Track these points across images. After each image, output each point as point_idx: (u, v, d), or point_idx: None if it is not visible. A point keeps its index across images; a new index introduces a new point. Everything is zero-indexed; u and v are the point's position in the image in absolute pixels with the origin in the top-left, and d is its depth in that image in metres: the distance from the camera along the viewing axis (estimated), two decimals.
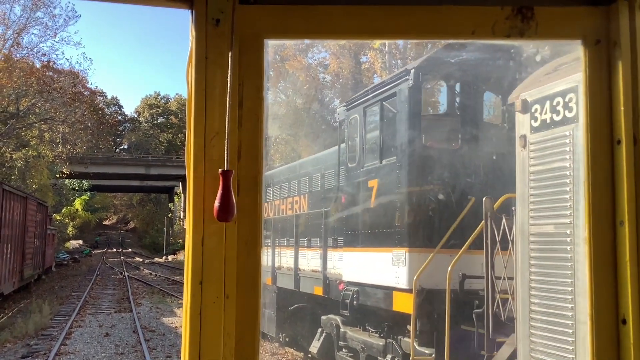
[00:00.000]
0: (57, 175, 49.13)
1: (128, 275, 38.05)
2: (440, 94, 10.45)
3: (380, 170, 9.52)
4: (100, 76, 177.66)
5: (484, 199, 7.13)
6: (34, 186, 43.38)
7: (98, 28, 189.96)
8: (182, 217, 77.26)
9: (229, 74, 1.73)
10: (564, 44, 2.18)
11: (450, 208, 8.64)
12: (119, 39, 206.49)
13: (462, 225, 8.17)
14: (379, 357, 9.42)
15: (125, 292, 28.83)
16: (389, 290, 9.09)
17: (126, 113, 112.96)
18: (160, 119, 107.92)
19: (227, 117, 1.72)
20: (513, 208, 6.12)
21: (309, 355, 12.48)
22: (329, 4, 1.82)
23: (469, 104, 9.69)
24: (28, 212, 26.78)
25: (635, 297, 1.78)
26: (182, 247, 65.39)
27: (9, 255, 22.74)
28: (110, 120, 71.76)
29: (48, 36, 43.24)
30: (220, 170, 1.68)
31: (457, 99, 10.26)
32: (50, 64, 44.21)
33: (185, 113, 1.88)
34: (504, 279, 6.77)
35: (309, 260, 13.15)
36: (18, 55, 41.53)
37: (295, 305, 13.39)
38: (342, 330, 10.70)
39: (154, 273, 41.52)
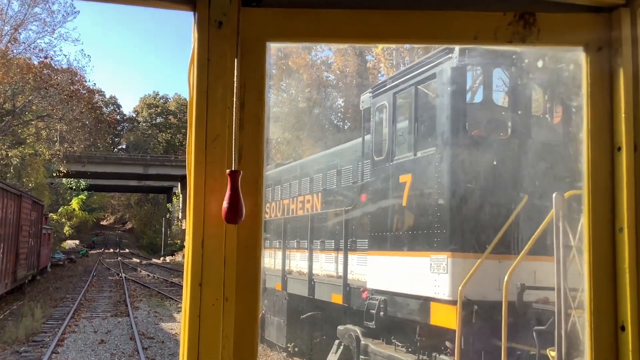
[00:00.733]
0: (54, 174, 49.03)
1: (125, 277, 37.63)
2: (484, 78, 9.03)
3: (415, 164, 8.53)
4: (99, 75, 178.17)
5: (554, 195, 6.22)
6: (30, 185, 43.31)
7: (97, 27, 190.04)
8: (180, 217, 77.27)
9: (231, 76, 1.76)
10: (566, 50, 2.20)
11: (499, 207, 7.61)
12: (118, 38, 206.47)
13: (512, 226, 7.27)
14: None
15: (122, 294, 28.31)
16: (425, 301, 8.06)
17: (124, 113, 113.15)
18: (159, 119, 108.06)
19: (228, 119, 1.75)
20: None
21: None
22: (332, 8, 1.85)
23: (516, 92, 8.54)
24: (22, 210, 26.22)
25: (634, 303, 1.81)
26: (180, 248, 65.42)
27: (1, 256, 22.10)
28: (108, 118, 71.85)
29: (46, 32, 43.27)
30: (228, 171, 1.71)
31: (503, 85, 9.40)
32: (48, 61, 44.21)
33: (184, 113, 1.90)
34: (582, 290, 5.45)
35: (326, 264, 12.21)
36: (15, 52, 41.55)
37: (309, 314, 12.38)
38: (362, 343, 9.68)
39: (151, 274, 41.26)
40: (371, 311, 9.22)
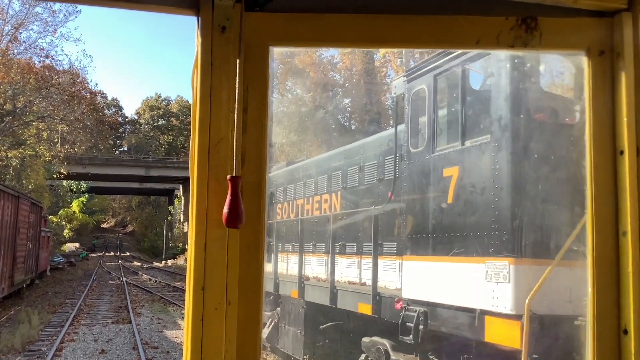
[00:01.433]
0: (55, 176, 49.09)
1: (126, 281, 37.40)
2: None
3: (463, 155, 7.52)
4: (101, 77, 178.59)
5: None
6: (30, 186, 43.33)
7: (99, 29, 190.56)
8: (182, 220, 77.29)
9: (235, 80, 1.79)
10: (568, 54, 2.23)
11: (570, 204, 6.47)
12: (120, 41, 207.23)
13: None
14: None
15: (124, 299, 27.71)
16: (478, 315, 6.97)
17: (126, 115, 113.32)
18: (161, 121, 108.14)
19: (232, 123, 1.78)
20: None
21: None
22: (334, 12, 1.88)
23: (579, 70, 6.98)
24: (20, 212, 25.75)
25: (637, 307, 1.84)
26: (182, 252, 65.42)
27: None
28: (110, 119, 71.89)
29: (47, 32, 43.32)
30: (229, 176, 1.74)
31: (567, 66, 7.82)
32: (49, 61, 44.27)
33: (186, 115, 1.93)
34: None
35: (347, 270, 11.17)
36: (16, 51, 41.65)
37: (329, 324, 11.33)
38: (393, 358, 8.81)
39: (153, 278, 41.02)
40: (408, 324, 8.25)
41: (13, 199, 24.50)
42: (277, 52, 2.04)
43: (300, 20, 1.89)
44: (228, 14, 1.81)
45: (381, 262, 9.65)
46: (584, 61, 1.93)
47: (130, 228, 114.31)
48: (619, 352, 1.87)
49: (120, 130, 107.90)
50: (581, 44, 1.93)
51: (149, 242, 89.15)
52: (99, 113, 57.35)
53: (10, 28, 40.82)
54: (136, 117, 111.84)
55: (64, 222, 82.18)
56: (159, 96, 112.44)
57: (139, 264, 62.82)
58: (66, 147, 49.55)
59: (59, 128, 47.68)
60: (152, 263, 64.63)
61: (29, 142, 45.75)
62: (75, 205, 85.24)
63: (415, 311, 8.14)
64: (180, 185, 77.89)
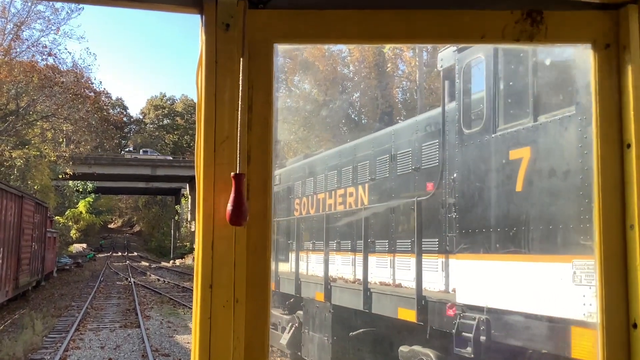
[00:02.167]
0: (60, 176, 49.24)
1: (134, 282, 37.17)
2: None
3: (536, 133, 6.52)
4: (105, 77, 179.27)
5: None
6: (35, 187, 43.46)
7: (103, 28, 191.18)
8: (189, 219, 77.45)
9: (239, 78, 1.81)
10: (574, 47, 2.24)
11: None
12: (124, 40, 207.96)
13: None
14: None
15: (132, 301, 27.28)
16: (561, 325, 6.00)
17: (131, 115, 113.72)
18: (166, 120, 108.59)
19: (236, 121, 1.80)
20: None
21: None
22: (338, 8, 1.90)
23: None
24: (24, 212, 25.29)
25: None
26: (190, 251, 65.51)
27: (0, 261, 21.20)
28: (115, 118, 72.19)
29: (50, 30, 43.43)
30: (232, 174, 1.77)
31: None
32: (52, 59, 44.39)
33: (192, 114, 1.94)
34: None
35: (380, 270, 10.19)
36: (18, 50, 41.80)
37: (361, 330, 10.29)
38: None
39: (161, 279, 40.79)
40: (465, 334, 7.18)
41: (16, 199, 24.04)
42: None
43: (304, 17, 1.91)
44: (232, 12, 1.83)
45: (438, 261, 8.63)
46: (590, 54, 1.95)
47: (137, 228, 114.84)
48: (629, 346, 1.88)
49: (126, 130, 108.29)
50: (587, 37, 1.94)
51: (156, 241, 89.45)
52: (103, 112, 57.51)
53: (12, 26, 40.99)
54: (141, 117, 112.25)
55: (70, 223, 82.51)
56: (164, 95, 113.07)
57: (147, 264, 62.95)
58: (71, 147, 49.70)
59: (64, 128, 47.82)
60: (160, 263, 64.72)
61: (33, 142, 45.88)
62: (81, 206, 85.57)
63: (474, 319, 7.05)
64: (187, 184, 78.05)
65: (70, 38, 78.05)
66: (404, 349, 8.85)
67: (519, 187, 6.59)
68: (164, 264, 63.10)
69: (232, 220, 1.74)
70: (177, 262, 64.02)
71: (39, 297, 28.91)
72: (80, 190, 79.15)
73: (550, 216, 6.20)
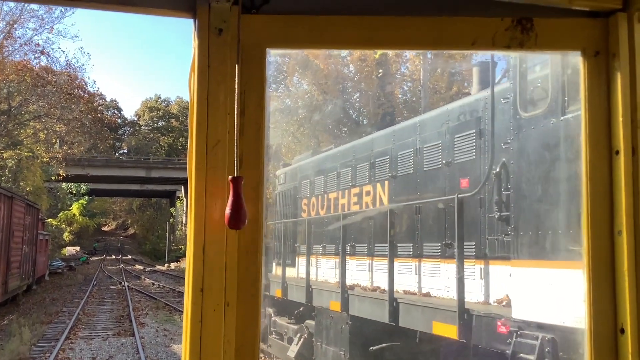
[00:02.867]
0: (53, 177, 49.10)
1: (128, 286, 36.60)
2: None
3: None
4: (99, 79, 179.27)
5: None
6: (27, 188, 43.32)
7: (97, 31, 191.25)
8: (184, 222, 77.32)
9: (231, 82, 1.85)
10: (564, 55, 2.28)
11: None
12: (118, 42, 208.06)
13: None
14: None
15: (126, 307, 26.42)
16: None
17: (126, 116, 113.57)
18: (161, 123, 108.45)
19: (229, 125, 1.83)
20: None
21: None
22: (331, 14, 1.94)
23: None
24: (14, 213, 24.43)
25: (633, 306, 1.90)
26: (185, 254, 65.21)
27: None
28: (108, 119, 72.10)
29: (44, 29, 43.38)
30: (230, 177, 1.80)
31: None
32: (45, 57, 44.33)
33: (186, 117, 1.97)
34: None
35: (409, 277, 9.25)
36: (10, 49, 41.75)
37: (384, 345, 9.19)
38: None
39: (156, 283, 40.19)
40: (523, 356, 6.29)
41: (6, 200, 23.30)
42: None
43: (297, 22, 1.95)
44: (225, 17, 1.86)
45: (482, 268, 7.67)
46: (580, 62, 1.99)
47: (131, 231, 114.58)
48: (616, 352, 1.92)
49: (120, 132, 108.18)
50: (576, 45, 1.99)
51: (151, 245, 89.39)
52: (97, 113, 57.41)
53: (4, 25, 40.92)
54: (135, 119, 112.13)
55: (63, 225, 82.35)
56: (159, 97, 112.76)
57: (141, 267, 62.61)
58: (65, 148, 49.61)
59: (57, 128, 47.73)
60: (155, 266, 64.43)
61: (25, 142, 45.76)
62: (75, 208, 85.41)
63: (537, 338, 6.15)
64: (182, 187, 77.94)
65: (64, 37, 78.02)
66: None
67: None
68: (158, 267, 62.78)
69: (231, 223, 1.77)
70: (172, 265, 63.76)
71: (30, 301, 28.28)
72: (74, 192, 79.04)
73: None
